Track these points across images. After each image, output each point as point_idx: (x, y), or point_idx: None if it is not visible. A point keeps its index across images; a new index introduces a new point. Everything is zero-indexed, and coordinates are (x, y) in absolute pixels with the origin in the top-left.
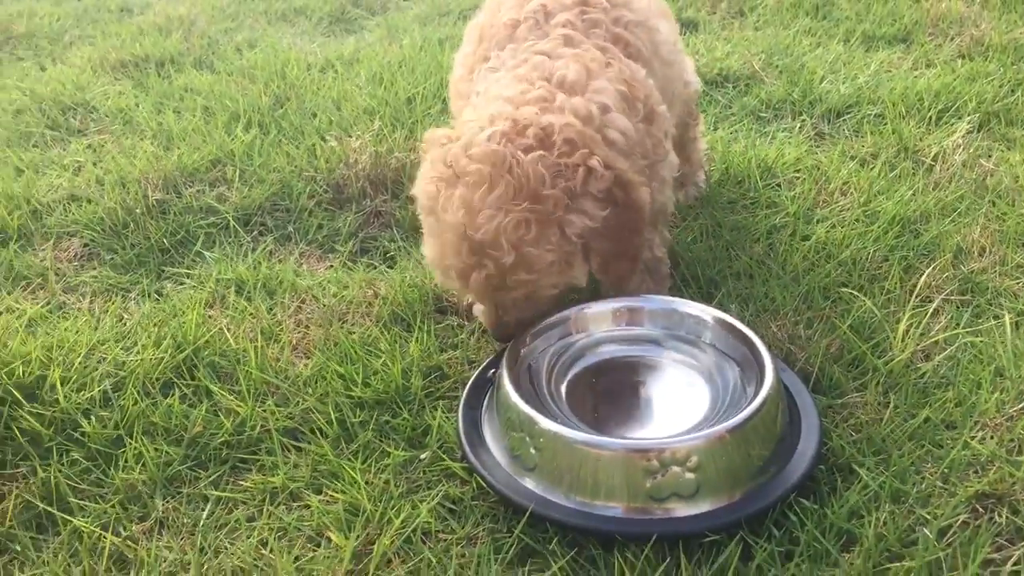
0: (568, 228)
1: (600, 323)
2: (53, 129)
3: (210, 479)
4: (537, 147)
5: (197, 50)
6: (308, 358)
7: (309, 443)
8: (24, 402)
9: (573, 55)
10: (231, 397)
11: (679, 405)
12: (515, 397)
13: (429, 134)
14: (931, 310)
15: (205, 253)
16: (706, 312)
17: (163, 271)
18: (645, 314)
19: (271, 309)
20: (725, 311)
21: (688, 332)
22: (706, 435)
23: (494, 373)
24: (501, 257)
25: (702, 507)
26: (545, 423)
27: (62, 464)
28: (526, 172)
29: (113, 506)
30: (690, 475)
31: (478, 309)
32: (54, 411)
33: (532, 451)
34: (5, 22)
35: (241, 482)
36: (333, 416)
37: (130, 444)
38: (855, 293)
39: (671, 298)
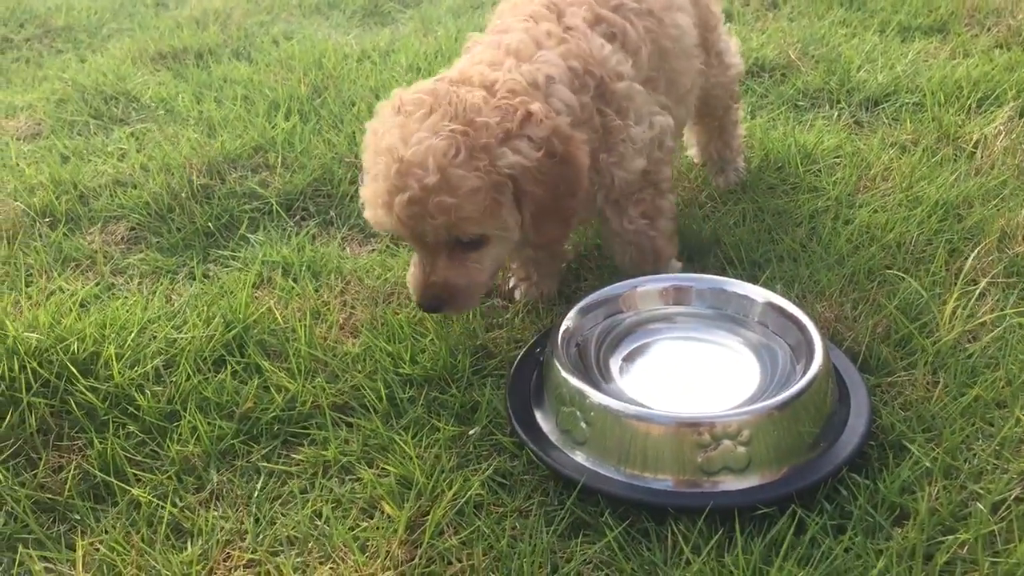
0: (499, 160)
1: (648, 301)
2: (96, 118)
3: (262, 452)
4: (480, 91)
5: (234, 42)
6: (355, 337)
7: (359, 418)
8: (80, 377)
9: (524, 28)
10: (281, 374)
11: (728, 382)
12: (565, 372)
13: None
14: (977, 292)
15: (249, 236)
16: (754, 292)
17: (208, 254)
18: (693, 293)
19: (317, 290)
20: (772, 291)
21: (736, 311)
22: (757, 409)
23: (541, 351)
24: (425, 177)
25: (752, 481)
26: (596, 397)
27: (118, 437)
28: (463, 101)
29: (169, 477)
30: (741, 449)
31: (520, 292)
32: (108, 386)
33: (583, 425)
34: (44, 15)
35: (293, 455)
36: (383, 392)
37: (184, 418)
38: (901, 275)
39: (719, 277)
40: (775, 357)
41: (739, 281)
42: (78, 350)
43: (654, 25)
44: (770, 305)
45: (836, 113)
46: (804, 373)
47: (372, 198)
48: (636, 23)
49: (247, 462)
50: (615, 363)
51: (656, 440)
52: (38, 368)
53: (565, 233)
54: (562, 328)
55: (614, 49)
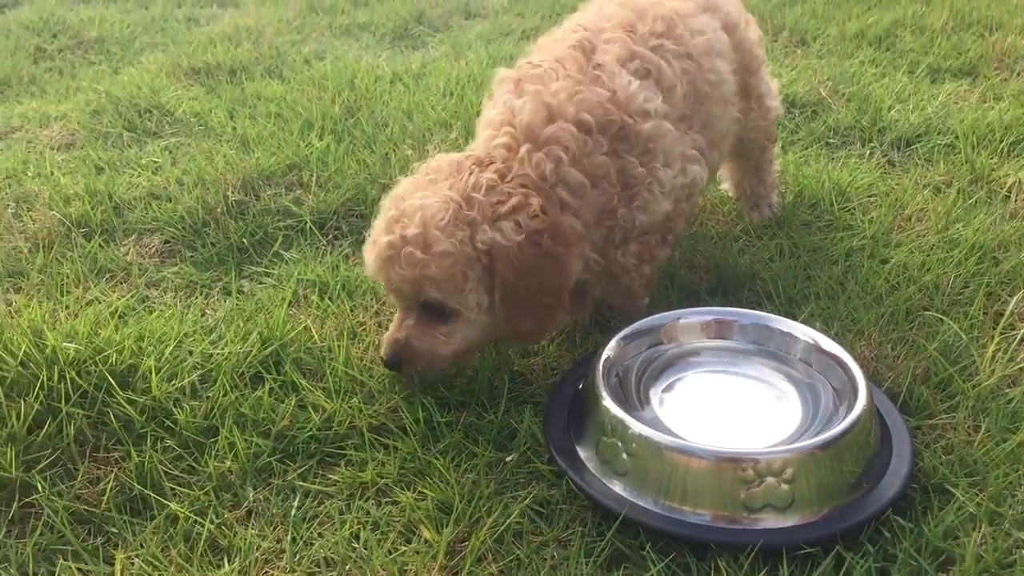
0: (478, 235)
1: (690, 334)
2: (130, 130)
3: (298, 471)
4: (494, 175)
5: (266, 60)
6: None
7: (396, 440)
8: (118, 389)
9: (538, 90)
10: (318, 392)
11: (768, 418)
12: (608, 402)
13: None
14: (1018, 338)
15: (283, 253)
16: (797, 329)
17: (242, 269)
18: (736, 327)
19: (352, 309)
20: (814, 329)
21: (778, 348)
22: (801, 448)
23: (578, 379)
24: (408, 227)
25: (792, 519)
26: (639, 428)
27: (155, 450)
28: (475, 179)
29: (207, 493)
30: (785, 487)
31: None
32: (146, 399)
33: (624, 456)
34: (77, 27)
35: (330, 476)
36: (420, 415)
37: (222, 433)
38: (940, 316)
39: (762, 313)
40: (817, 396)
41: (782, 318)
42: (116, 362)
43: (692, 68)
44: (813, 343)
45: (868, 152)
46: (848, 413)
47: (371, 235)
48: (673, 63)
49: (283, 480)
50: (655, 394)
51: (697, 474)
52: (76, 378)
53: (540, 331)
54: (603, 357)
55: (644, 86)
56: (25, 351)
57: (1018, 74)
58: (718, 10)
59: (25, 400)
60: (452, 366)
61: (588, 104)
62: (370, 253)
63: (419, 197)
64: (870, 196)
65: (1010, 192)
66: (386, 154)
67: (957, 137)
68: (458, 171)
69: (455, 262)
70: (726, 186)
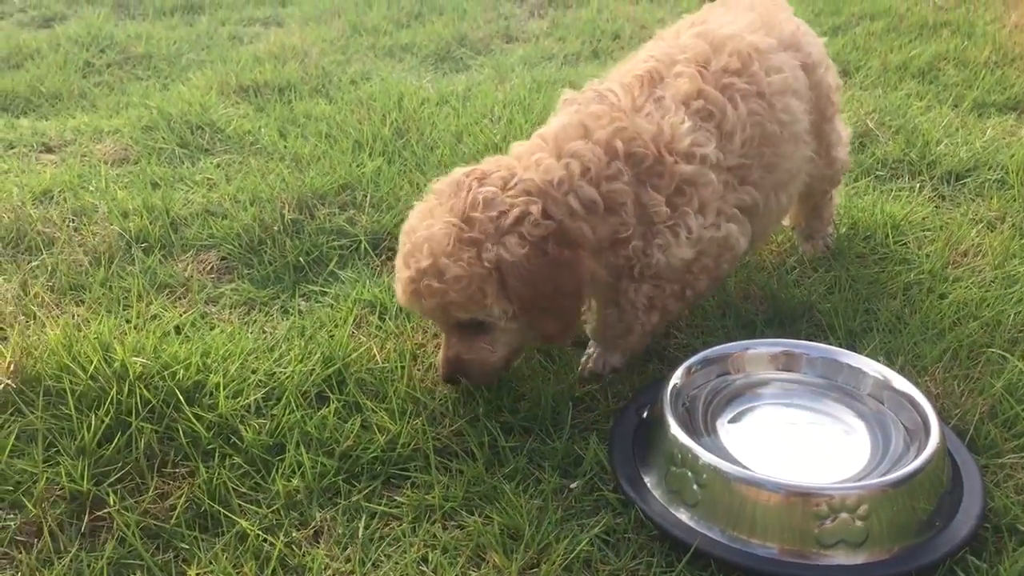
0: (484, 252)
1: (758, 365)
2: (182, 146)
3: (364, 492)
4: (494, 186)
5: (313, 79)
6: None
7: (461, 464)
8: (185, 405)
9: (575, 110)
10: (382, 413)
11: (836, 453)
12: (676, 431)
13: None
14: None
15: (339, 273)
16: (867, 365)
17: (298, 288)
18: (804, 360)
19: (412, 330)
20: (883, 365)
21: (847, 383)
22: (875, 485)
23: (641, 407)
24: (420, 260)
25: (864, 557)
26: (709, 458)
27: (223, 467)
28: (473, 196)
29: (275, 511)
30: (859, 523)
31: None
32: (213, 415)
33: (694, 487)
34: (124, 42)
35: (396, 497)
36: (485, 439)
37: (289, 452)
38: (1004, 354)
39: (831, 347)
40: (887, 433)
41: (851, 352)
42: (183, 377)
43: (762, 108)
44: (883, 380)
45: (918, 185)
46: (920, 452)
47: (396, 271)
48: (740, 105)
49: (349, 501)
50: (722, 425)
51: (767, 507)
52: (145, 392)
53: (564, 330)
54: (671, 385)
55: (699, 129)
56: (96, 365)
57: None
58: (800, 49)
59: (96, 414)
60: (507, 367)
61: (623, 133)
62: (398, 288)
63: (425, 227)
64: (924, 231)
65: None
66: (437, 176)
67: (1008, 172)
68: (457, 190)
69: (470, 283)
70: None
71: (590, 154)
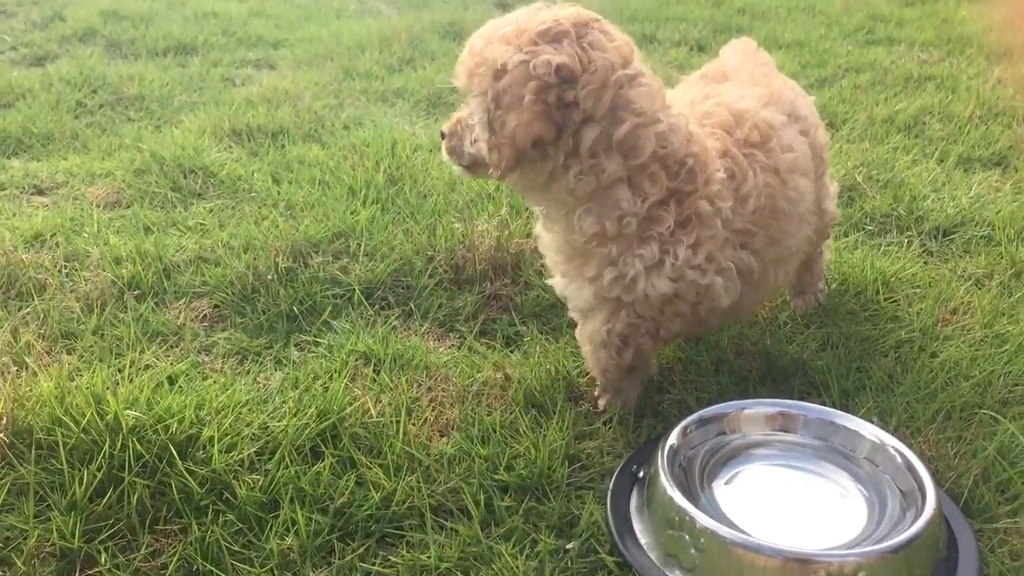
0: (504, 51)
1: (754, 425)
2: (175, 190)
3: (357, 552)
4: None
5: (306, 124)
6: (444, 436)
7: (456, 523)
8: (179, 459)
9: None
10: (376, 469)
11: (833, 517)
12: (673, 493)
13: None
14: None
15: (332, 323)
16: (863, 427)
17: (291, 338)
18: (801, 421)
19: (407, 384)
20: (880, 428)
21: (843, 445)
22: (874, 551)
23: (638, 467)
24: (488, 32)
25: None
26: (707, 522)
27: (216, 524)
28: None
29: (269, 571)
30: None
31: (603, 401)
32: (206, 470)
33: (692, 552)
34: (116, 83)
35: (390, 557)
36: (481, 497)
37: (283, 509)
38: (996, 416)
39: (828, 408)
40: (883, 498)
41: (847, 414)
42: (176, 431)
43: (775, 183)
44: (879, 443)
45: (906, 240)
46: (916, 517)
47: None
48: (759, 175)
49: (343, 560)
50: (718, 486)
51: (766, 572)
52: (138, 446)
53: (496, 166)
54: (668, 446)
55: (724, 183)
56: (88, 418)
57: None
58: (801, 119)
59: (88, 468)
60: (467, 168)
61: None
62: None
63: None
64: (914, 288)
65: None
66: (431, 225)
67: (994, 229)
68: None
69: (483, 62)
70: None
71: (683, 118)
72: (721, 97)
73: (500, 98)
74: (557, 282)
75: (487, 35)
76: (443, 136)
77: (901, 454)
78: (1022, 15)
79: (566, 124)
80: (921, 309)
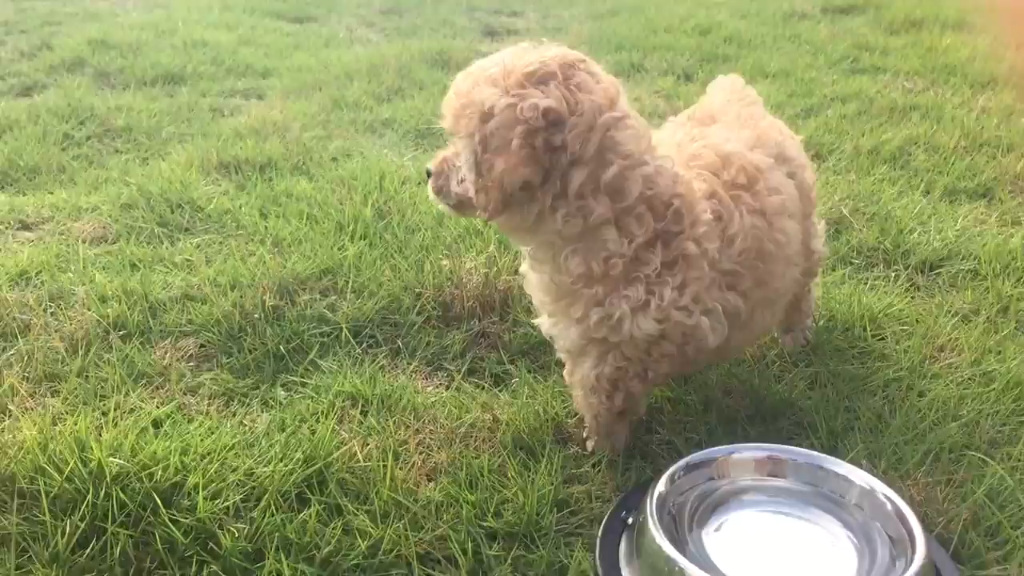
0: (493, 94)
1: (743, 470)
2: (162, 225)
3: None
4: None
5: (294, 156)
6: (431, 480)
7: (443, 573)
8: (163, 508)
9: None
10: (363, 516)
11: (822, 564)
12: (663, 542)
13: None
14: None
15: (319, 362)
16: (853, 473)
17: (278, 378)
18: (789, 466)
19: (394, 426)
20: (869, 473)
21: (833, 491)
22: None
23: (627, 513)
24: (474, 71)
25: None
26: (696, 573)
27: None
28: (532, 67)
29: None
30: None
31: (591, 443)
32: (191, 519)
33: None
34: (104, 115)
35: None
36: (469, 545)
37: (268, 559)
38: (984, 458)
39: (817, 453)
40: (873, 546)
41: (837, 460)
42: (161, 478)
43: (762, 226)
44: (869, 489)
45: (893, 275)
46: (907, 567)
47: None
48: (746, 217)
49: None
50: (707, 533)
51: None
52: (122, 495)
53: (484, 207)
54: (656, 493)
55: (711, 224)
56: (72, 466)
57: None
58: (788, 160)
59: (71, 518)
60: (454, 207)
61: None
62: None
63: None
64: (901, 324)
65: None
66: (419, 261)
67: (980, 262)
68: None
69: (469, 104)
70: None
71: (669, 160)
72: (708, 139)
73: (488, 141)
74: (544, 322)
75: (473, 76)
76: (429, 174)
77: (891, 500)
78: (1006, 44)
79: (554, 167)
80: (909, 346)
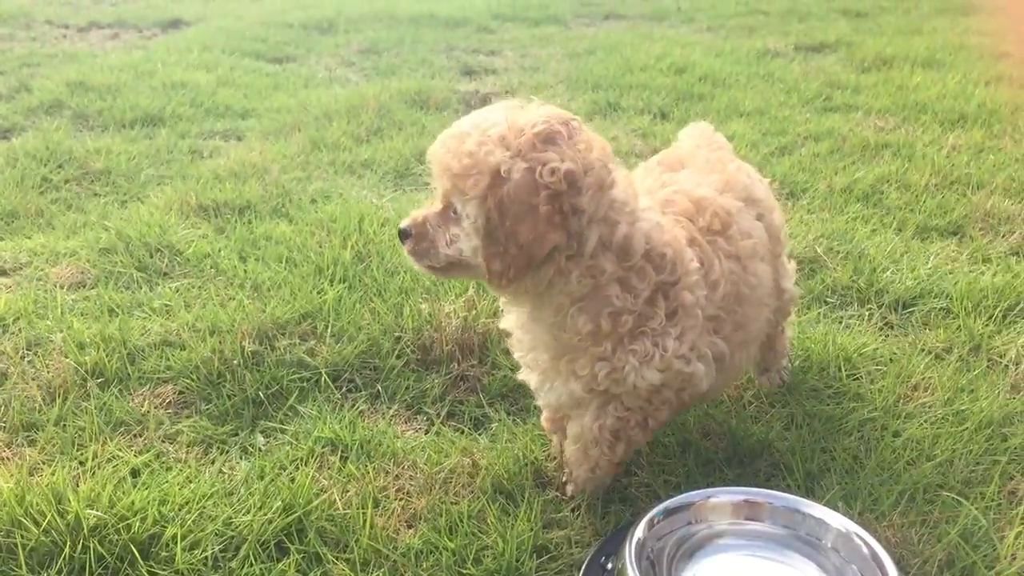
0: (499, 154)
1: (720, 514)
2: (140, 270)
3: None
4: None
5: (273, 198)
6: (411, 527)
7: None
8: (141, 560)
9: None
10: (342, 565)
11: None
12: None
13: None
14: None
15: (299, 408)
16: (830, 516)
17: (257, 424)
18: (766, 510)
19: (374, 473)
20: (845, 516)
21: (810, 534)
22: None
23: (607, 559)
24: (467, 129)
25: None
26: None
27: None
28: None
29: None
30: None
31: (571, 487)
32: (168, 571)
33: None
34: (83, 158)
35: None
36: None
37: None
38: (958, 499)
39: (794, 497)
40: None
41: (813, 503)
42: (139, 530)
43: (738, 269)
44: (845, 532)
45: (867, 313)
46: None
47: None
48: (723, 262)
49: None
50: None
51: None
52: (99, 547)
53: (501, 277)
54: (635, 539)
55: (698, 271)
56: (49, 519)
57: (1003, 236)
58: (756, 202)
59: (48, 572)
60: (446, 272)
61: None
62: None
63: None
64: (876, 364)
65: (1008, 364)
66: (398, 305)
67: (952, 300)
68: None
69: (473, 166)
70: None
71: (653, 211)
72: (679, 185)
73: (505, 207)
74: (531, 379)
75: (475, 136)
76: (404, 235)
77: (867, 543)
78: (975, 81)
79: (576, 229)
80: (883, 386)
